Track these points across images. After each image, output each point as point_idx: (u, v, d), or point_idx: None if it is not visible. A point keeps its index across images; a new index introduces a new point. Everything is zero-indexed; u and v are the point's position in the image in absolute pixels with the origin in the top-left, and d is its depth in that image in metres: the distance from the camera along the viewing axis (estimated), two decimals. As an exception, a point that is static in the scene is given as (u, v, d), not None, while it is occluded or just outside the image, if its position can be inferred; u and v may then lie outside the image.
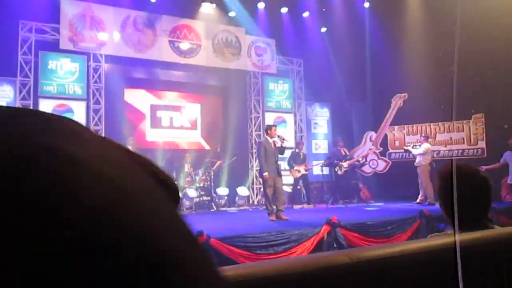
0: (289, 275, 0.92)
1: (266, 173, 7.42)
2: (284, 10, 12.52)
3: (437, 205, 7.19)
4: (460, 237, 1.35)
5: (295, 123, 13.07)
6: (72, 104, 9.90)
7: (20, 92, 9.43)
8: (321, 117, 13.70)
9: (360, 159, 11.56)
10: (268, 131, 7.81)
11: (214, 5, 11.85)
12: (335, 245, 6.09)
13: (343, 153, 11.08)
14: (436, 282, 1.20)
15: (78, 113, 9.91)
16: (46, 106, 9.61)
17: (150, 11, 10.83)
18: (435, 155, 10.74)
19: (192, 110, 12.00)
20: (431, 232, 6.75)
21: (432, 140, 11.17)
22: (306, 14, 12.79)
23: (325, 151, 13.34)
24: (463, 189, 1.56)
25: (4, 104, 9.05)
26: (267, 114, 12.59)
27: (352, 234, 6.31)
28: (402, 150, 11.75)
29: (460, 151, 11.43)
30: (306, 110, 13.33)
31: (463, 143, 11.41)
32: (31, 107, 9.27)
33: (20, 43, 9.53)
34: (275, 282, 0.90)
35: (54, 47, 9.86)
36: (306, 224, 6.67)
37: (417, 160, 10.01)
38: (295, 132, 13.00)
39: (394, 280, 1.08)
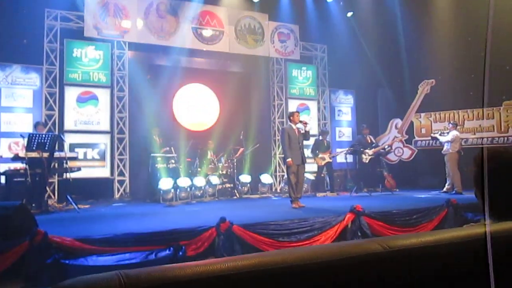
0: (320, 263, 0.86)
1: (289, 159, 7.37)
2: (308, -5, 12.29)
3: (465, 194, 7.03)
4: (494, 227, 1.26)
5: (318, 110, 12.91)
6: (96, 91, 10.01)
7: (46, 79, 9.57)
8: (345, 104, 13.48)
9: (385, 146, 11.33)
10: (291, 117, 7.73)
11: (237, -10, 11.73)
12: (359, 234, 5.98)
13: (369, 141, 10.87)
14: (468, 273, 1.12)
15: (102, 100, 10.02)
16: (71, 93, 9.75)
17: (172, -2, 10.80)
18: (463, 143, 10.43)
19: (215, 98, 11.97)
20: (459, 221, 6.61)
21: (460, 127, 10.86)
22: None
23: (349, 139, 13.16)
24: (502, 176, 1.47)
25: (30, 91, 9.24)
26: (290, 101, 12.47)
27: (376, 223, 6.19)
28: (429, 138, 11.48)
29: (490, 139, 11.08)
30: (330, 97, 13.14)
31: (493, 130, 11.05)
32: (57, 94, 9.43)
33: (46, 31, 9.66)
34: (307, 270, 0.84)
35: (78, 35, 9.96)
36: (329, 212, 6.59)
37: (444, 148, 9.76)
38: (319, 120, 12.86)
39: (426, 269, 1.01)
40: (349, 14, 12.65)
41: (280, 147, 11.83)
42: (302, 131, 7.59)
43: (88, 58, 9.93)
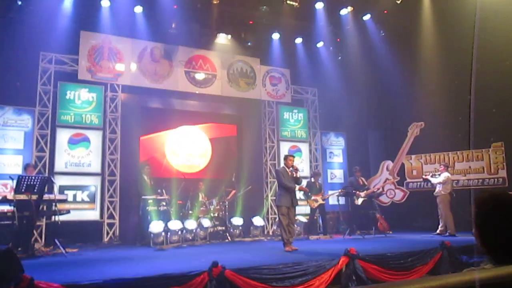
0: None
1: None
2: (298, 40, 12.64)
3: (459, 236, 6.99)
4: (495, 272, 1.25)
5: (310, 152, 12.98)
6: (88, 133, 9.99)
7: (39, 121, 9.56)
8: (337, 146, 13.59)
9: (376, 189, 11.33)
10: (285, 160, 7.80)
11: (229, 36, 12.04)
12: (354, 277, 5.86)
13: (361, 183, 10.88)
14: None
15: (94, 142, 9.99)
16: (63, 135, 9.72)
17: (166, 42, 11.03)
18: (454, 185, 10.48)
19: (207, 140, 12.01)
20: (454, 264, 6.52)
21: (450, 169, 10.94)
22: (320, 44, 12.88)
23: (340, 181, 13.18)
24: (501, 218, 1.46)
25: (22, 133, 9.20)
26: (282, 143, 12.55)
27: (371, 266, 6.09)
28: (420, 180, 11.52)
29: (480, 180, 11.15)
30: (321, 139, 13.26)
31: (483, 172, 11.14)
32: (49, 136, 9.40)
33: (40, 74, 9.75)
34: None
35: (72, 77, 10.06)
36: (323, 255, 6.48)
37: (436, 190, 9.79)
38: (310, 161, 12.90)
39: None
40: (338, 58, 12.98)
41: (273, 189, 11.84)
42: (294, 175, 7.64)
43: (81, 100, 9.99)
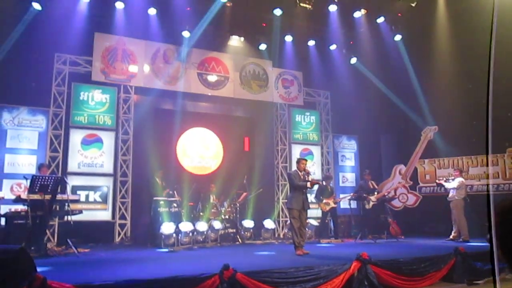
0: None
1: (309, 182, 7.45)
2: (311, 43, 12.60)
3: (473, 242, 6.87)
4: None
5: (322, 155, 12.92)
6: (101, 134, 10.07)
7: (52, 122, 9.65)
8: (349, 149, 13.51)
9: (386, 193, 11.20)
10: (297, 164, 7.78)
11: (242, 38, 12.05)
12: (365, 283, 5.79)
13: (371, 186, 10.78)
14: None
15: (107, 143, 10.06)
16: (76, 135, 9.80)
17: (179, 45, 11.07)
18: (468, 190, 10.34)
19: (219, 142, 12.02)
20: (468, 270, 6.42)
21: (464, 174, 10.79)
22: (333, 47, 12.82)
23: (352, 184, 13.09)
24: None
25: (36, 133, 9.30)
26: (293, 146, 12.51)
27: (383, 272, 6.01)
28: (433, 184, 11.39)
29: (495, 186, 10.98)
30: (333, 142, 13.19)
31: (498, 177, 10.97)
32: (62, 136, 9.49)
33: (55, 75, 9.85)
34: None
35: (86, 78, 10.15)
36: (335, 259, 6.43)
37: (450, 195, 9.66)
38: (322, 165, 12.84)
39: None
40: (352, 61, 12.89)
41: (284, 191, 11.80)
42: (306, 179, 7.59)
43: (94, 101, 10.07)
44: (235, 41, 12.07)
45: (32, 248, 6.89)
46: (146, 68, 10.71)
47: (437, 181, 10.54)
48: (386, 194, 11.06)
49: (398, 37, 12.10)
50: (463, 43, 10.99)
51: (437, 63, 11.88)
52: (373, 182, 10.94)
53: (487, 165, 11.05)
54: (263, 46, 12.17)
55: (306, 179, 7.61)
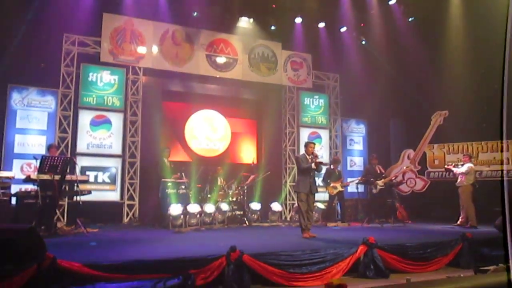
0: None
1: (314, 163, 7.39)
2: (321, 25, 12.42)
3: (480, 228, 6.82)
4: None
5: (330, 139, 12.87)
6: (110, 115, 10.10)
7: (61, 102, 9.69)
8: (357, 133, 13.44)
9: (394, 178, 11.15)
10: (306, 147, 7.74)
11: (251, 19, 11.91)
12: (372, 267, 5.81)
13: (378, 171, 10.72)
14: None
15: (115, 125, 10.09)
16: (85, 116, 9.84)
17: (188, 26, 10.98)
18: (477, 176, 10.26)
19: (227, 125, 12.01)
20: (475, 256, 6.41)
21: (474, 159, 10.70)
22: (343, 29, 12.64)
23: (360, 168, 13.07)
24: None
25: (45, 114, 9.35)
26: (302, 129, 12.46)
27: (390, 256, 6.03)
28: (442, 169, 11.31)
29: (505, 172, 10.88)
30: (341, 126, 13.12)
31: (508, 163, 10.87)
32: (71, 117, 9.53)
33: (63, 56, 9.84)
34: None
35: (95, 59, 10.14)
36: (341, 243, 6.45)
37: (458, 180, 9.60)
38: (330, 148, 12.80)
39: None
40: (362, 43, 12.71)
41: (291, 174, 11.81)
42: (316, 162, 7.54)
43: (103, 83, 10.07)
44: (244, 23, 11.93)
45: (42, 227, 6.99)
46: (155, 49, 10.66)
47: (446, 166, 10.47)
48: (393, 178, 11.01)
49: (410, 20, 11.88)
50: (476, 26, 10.77)
51: (449, 47, 11.68)
52: (380, 166, 10.88)
53: (502, 151, 10.93)
54: (272, 28, 12.01)
55: (314, 161, 7.57)
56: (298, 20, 12.08)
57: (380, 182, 10.36)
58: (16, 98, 9.31)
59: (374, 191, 10.40)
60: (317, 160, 7.53)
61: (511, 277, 0.98)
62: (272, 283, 5.08)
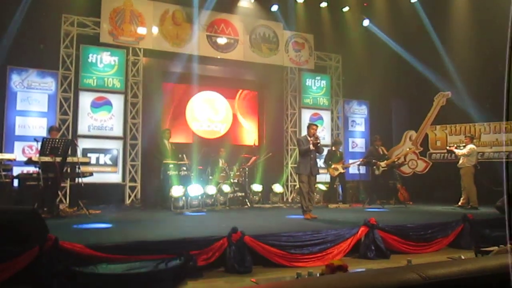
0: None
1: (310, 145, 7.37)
2: (323, 4, 12.23)
3: (481, 209, 6.81)
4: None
5: (332, 120, 12.82)
6: (110, 97, 10.04)
7: (62, 84, 9.63)
8: (359, 114, 13.38)
9: (396, 159, 11.13)
10: (308, 129, 7.68)
11: (252, -1, 11.73)
12: (372, 247, 5.84)
13: (381, 152, 10.71)
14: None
15: (116, 106, 10.05)
16: (85, 98, 9.79)
17: (188, 6, 10.83)
18: (479, 157, 10.24)
19: (228, 106, 11.95)
20: (476, 237, 6.43)
21: (476, 141, 10.65)
22: (346, 9, 12.46)
23: (362, 150, 13.04)
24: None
25: (46, 96, 9.30)
26: (303, 111, 12.40)
27: (391, 237, 6.06)
28: (444, 151, 11.29)
29: (507, 153, 10.86)
30: (343, 107, 13.05)
31: (510, 144, 10.83)
32: (72, 99, 9.49)
33: (63, 37, 9.74)
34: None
35: (94, 40, 10.03)
36: (342, 224, 6.47)
37: (460, 161, 9.58)
38: (332, 130, 12.76)
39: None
40: (366, 23, 12.53)
41: (293, 156, 11.80)
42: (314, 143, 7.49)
43: (103, 64, 9.99)
44: (246, 2, 11.77)
45: (45, 209, 7.02)
46: (155, 30, 10.53)
47: (448, 147, 10.44)
48: (396, 160, 10.99)
49: (413, 0, 11.69)
50: (481, 6, 10.61)
51: (453, 27, 11.52)
52: (383, 148, 10.86)
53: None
54: (274, 8, 11.84)
55: (315, 142, 7.53)
56: (300, 0, 11.90)
57: (382, 164, 10.35)
58: (16, 80, 9.26)
59: (376, 172, 10.39)
60: (317, 142, 7.47)
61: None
62: (273, 264, 5.12)
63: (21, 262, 3.94)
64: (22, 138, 9.12)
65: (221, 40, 11.27)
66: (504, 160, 10.70)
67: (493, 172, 9.62)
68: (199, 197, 9.08)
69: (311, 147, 7.39)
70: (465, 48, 11.13)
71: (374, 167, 10.42)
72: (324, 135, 12.16)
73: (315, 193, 8.59)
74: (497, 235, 6.42)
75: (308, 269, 4.44)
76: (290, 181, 11.99)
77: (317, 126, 7.82)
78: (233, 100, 12.03)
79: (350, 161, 11.70)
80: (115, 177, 9.97)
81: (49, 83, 9.57)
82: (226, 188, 9.53)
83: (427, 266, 0.96)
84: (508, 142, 10.92)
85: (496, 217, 7.48)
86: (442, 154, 11.74)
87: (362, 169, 11.34)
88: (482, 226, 6.84)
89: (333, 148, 10.87)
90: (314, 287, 0.83)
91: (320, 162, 10.29)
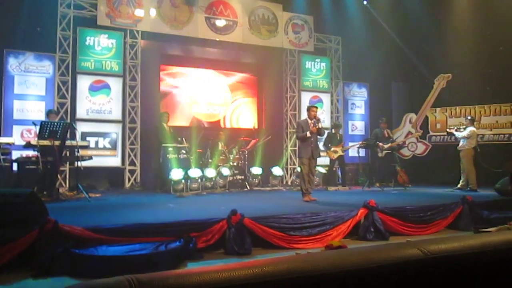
0: (353, 271, 0.76)
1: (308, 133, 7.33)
2: (323, -15, 12.06)
3: (480, 191, 6.84)
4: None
5: (331, 103, 12.76)
6: (109, 80, 9.97)
7: (59, 68, 9.55)
8: (359, 97, 13.31)
9: (401, 142, 11.08)
10: (308, 111, 7.63)
11: (251, -20, 11.56)
12: (372, 229, 5.87)
13: (386, 135, 10.65)
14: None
15: (115, 90, 9.98)
16: (83, 82, 9.72)
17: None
18: (479, 139, 10.22)
19: (227, 89, 11.88)
20: (475, 219, 6.46)
21: (476, 123, 10.62)
22: (346, -10, 12.29)
23: (361, 133, 13.01)
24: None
25: (43, 79, 9.23)
26: (303, 94, 12.33)
27: (390, 219, 6.08)
28: (444, 133, 11.27)
29: (507, 135, 10.84)
30: (343, 90, 12.97)
31: (511, 127, 10.80)
32: (70, 83, 9.42)
33: (59, 19, 9.61)
34: (339, 278, 0.74)
35: (92, 23, 9.91)
36: (342, 206, 6.49)
37: (460, 144, 9.56)
38: (331, 113, 12.71)
39: (472, 277, 0.90)
40: (364, 3, 12.38)
41: (292, 139, 11.78)
42: (315, 126, 7.46)
43: (100, 47, 9.89)
44: (244, -17, 11.60)
45: (45, 192, 7.03)
46: (153, 12, 10.39)
47: (447, 130, 10.41)
48: (401, 142, 10.96)
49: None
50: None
51: (453, 9, 11.39)
52: (388, 130, 10.81)
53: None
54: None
55: (316, 126, 7.50)
56: (300, -20, 11.74)
57: (385, 146, 10.30)
58: (12, 64, 9.17)
59: (379, 154, 10.34)
60: (319, 125, 7.45)
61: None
62: (273, 246, 5.14)
63: (21, 244, 3.95)
64: (20, 122, 9.08)
65: (220, 22, 11.14)
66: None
67: (493, 155, 9.62)
68: (199, 180, 9.09)
69: (308, 134, 7.35)
70: (464, 30, 11.03)
71: (378, 149, 10.35)
72: (324, 118, 12.10)
73: (315, 176, 8.60)
74: (495, 217, 6.45)
75: (308, 251, 4.46)
76: (290, 164, 12.00)
77: (317, 108, 7.79)
78: (232, 83, 11.94)
79: (350, 143, 11.68)
80: (114, 161, 9.96)
81: (47, 67, 9.48)
82: (225, 171, 9.54)
83: (428, 241, 0.95)
84: (508, 125, 10.89)
85: (495, 199, 7.51)
86: (442, 137, 11.72)
87: (362, 152, 11.32)
88: (481, 208, 6.87)
89: (333, 131, 10.85)
90: (312, 263, 0.81)
91: (320, 145, 10.28)
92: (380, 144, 10.31)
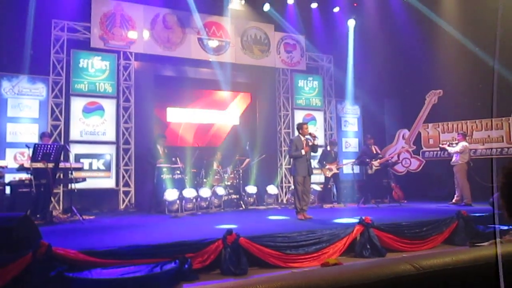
0: (347, 287, 0.77)
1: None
2: (314, 5, 12.26)
3: (475, 206, 6.88)
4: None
5: (325, 120, 12.83)
6: (102, 101, 9.99)
7: (53, 90, 9.57)
8: (352, 114, 13.40)
9: (389, 158, 11.16)
10: (300, 129, 7.66)
11: (243, 1, 11.74)
12: (368, 246, 5.86)
13: (374, 151, 10.75)
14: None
15: (108, 111, 10.00)
16: (77, 103, 9.74)
17: (179, 9, 10.82)
18: (472, 154, 10.30)
19: (221, 108, 11.93)
20: (470, 234, 6.46)
21: (468, 138, 10.73)
22: (336, 9, 12.50)
23: (355, 150, 13.06)
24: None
25: (37, 102, 9.23)
26: (296, 112, 12.41)
27: (386, 235, 6.07)
28: (437, 149, 11.36)
29: (499, 149, 10.93)
30: (336, 107, 13.07)
31: (502, 141, 10.91)
32: (63, 105, 9.42)
33: (53, 42, 9.68)
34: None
35: (85, 45, 9.98)
36: (337, 223, 6.48)
37: (453, 159, 9.63)
38: (325, 130, 12.77)
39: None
40: (351, 22, 12.58)
41: (287, 157, 11.80)
42: (311, 143, 7.51)
43: (94, 69, 9.94)
44: (236, 4, 11.76)
45: (38, 215, 6.96)
46: (146, 34, 10.50)
47: (440, 145, 10.50)
48: (389, 159, 11.03)
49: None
50: (470, 5, 10.69)
51: (443, 25, 11.59)
52: (376, 147, 10.91)
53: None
54: (265, 8, 11.81)
55: (312, 143, 7.53)
56: (291, 1, 11.92)
57: (375, 163, 10.40)
58: (6, 87, 9.18)
59: (369, 171, 10.44)
60: (315, 142, 7.49)
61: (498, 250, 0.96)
62: (269, 265, 5.11)
63: (14, 269, 3.90)
64: (13, 145, 9.03)
65: (212, 43, 11.26)
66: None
67: (485, 169, 9.66)
68: (194, 200, 9.04)
69: (303, 152, 7.38)
70: (455, 46, 11.20)
71: (367, 166, 10.46)
72: (318, 135, 12.12)
73: (310, 194, 8.59)
74: (490, 231, 6.47)
75: (304, 269, 4.43)
76: (285, 182, 11.99)
77: (308, 125, 7.84)
78: (225, 103, 12.00)
79: (344, 161, 11.72)
80: (108, 182, 9.91)
81: (40, 89, 9.50)
82: (220, 190, 9.50)
83: (421, 257, 0.96)
84: (499, 139, 10.99)
85: (490, 213, 7.53)
86: (435, 152, 11.80)
87: (356, 169, 11.36)
88: (476, 223, 6.89)
89: (328, 148, 10.90)
90: (307, 280, 0.82)
91: (314, 163, 10.31)
92: (371, 161, 10.39)
